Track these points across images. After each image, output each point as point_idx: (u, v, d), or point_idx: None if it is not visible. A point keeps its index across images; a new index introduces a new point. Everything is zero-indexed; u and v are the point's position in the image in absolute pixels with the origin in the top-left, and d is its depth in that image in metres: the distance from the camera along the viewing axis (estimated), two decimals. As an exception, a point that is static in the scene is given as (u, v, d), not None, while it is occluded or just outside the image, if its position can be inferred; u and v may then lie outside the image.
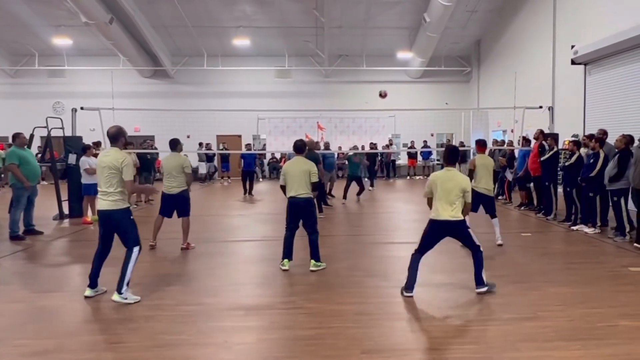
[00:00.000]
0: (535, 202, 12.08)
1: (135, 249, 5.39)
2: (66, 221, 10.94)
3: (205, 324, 4.75)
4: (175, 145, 8.12)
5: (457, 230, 5.46)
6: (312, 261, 6.65)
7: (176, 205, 7.95)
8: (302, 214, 6.60)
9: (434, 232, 5.47)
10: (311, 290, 5.78)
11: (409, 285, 5.47)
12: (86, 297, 5.45)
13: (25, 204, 9.08)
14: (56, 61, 22.99)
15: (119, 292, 5.25)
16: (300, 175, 6.49)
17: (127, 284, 5.29)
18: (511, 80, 15.46)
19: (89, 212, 10.79)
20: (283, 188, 6.74)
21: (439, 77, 24.29)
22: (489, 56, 22.42)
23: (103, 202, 5.34)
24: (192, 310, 5.11)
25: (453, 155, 5.66)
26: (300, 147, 6.76)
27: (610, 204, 8.58)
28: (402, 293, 5.50)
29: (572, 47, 14.01)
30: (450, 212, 5.35)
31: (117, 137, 5.42)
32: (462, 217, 5.42)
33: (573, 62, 14.08)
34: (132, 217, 5.46)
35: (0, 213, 10.14)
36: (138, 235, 5.47)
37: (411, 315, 5.04)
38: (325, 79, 24.37)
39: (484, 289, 5.49)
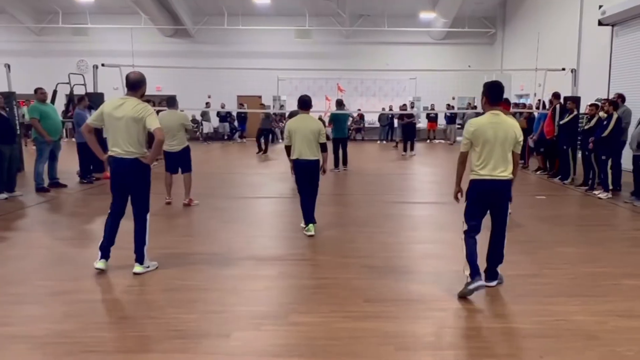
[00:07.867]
0: (545, 166, 11.95)
1: (147, 216, 4.83)
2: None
3: (216, 271, 4.95)
4: (173, 102, 8.14)
5: (503, 193, 4.31)
6: (311, 225, 6.22)
7: (178, 162, 8.01)
8: (310, 176, 6.25)
9: (481, 196, 4.29)
10: (320, 245, 5.93)
11: (473, 275, 4.22)
12: (99, 269, 4.79)
13: (47, 157, 9.35)
14: (79, 19, 23.07)
15: (141, 263, 4.82)
16: (309, 136, 6.08)
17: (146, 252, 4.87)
18: (536, 42, 15.07)
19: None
20: (288, 149, 6.26)
21: (463, 39, 23.64)
22: (514, 17, 21.76)
23: (121, 153, 4.63)
24: (203, 259, 5.30)
25: (498, 92, 4.33)
26: (307, 103, 6.32)
27: (633, 168, 8.43)
28: (464, 295, 4.24)
29: (600, 7, 13.54)
30: (502, 169, 4.22)
31: (138, 85, 4.70)
32: (511, 177, 4.30)
33: (600, 23, 13.64)
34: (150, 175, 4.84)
35: (28, 167, 10.47)
36: (149, 200, 4.89)
37: (416, 269, 5.16)
38: (346, 40, 24.00)
39: (495, 284, 4.50)
